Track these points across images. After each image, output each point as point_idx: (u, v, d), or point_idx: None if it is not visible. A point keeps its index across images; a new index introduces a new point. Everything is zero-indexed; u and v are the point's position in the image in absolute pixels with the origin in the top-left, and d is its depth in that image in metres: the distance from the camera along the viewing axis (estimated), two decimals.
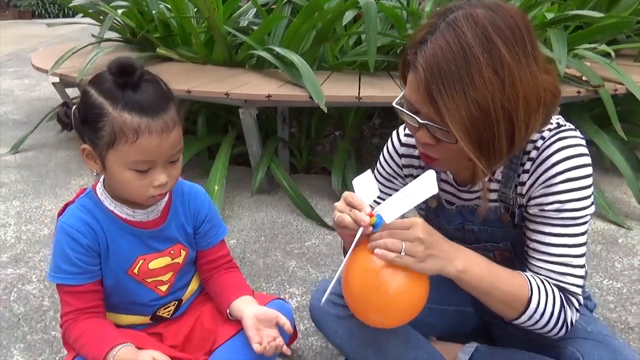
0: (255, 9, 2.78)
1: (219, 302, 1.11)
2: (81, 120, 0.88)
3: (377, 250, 0.77)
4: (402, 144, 1.08)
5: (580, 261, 0.88)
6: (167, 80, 0.94)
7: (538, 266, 0.89)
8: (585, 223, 0.88)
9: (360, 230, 0.79)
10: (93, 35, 2.57)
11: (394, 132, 1.11)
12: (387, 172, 1.11)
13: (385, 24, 2.55)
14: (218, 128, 2.54)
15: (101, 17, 3.09)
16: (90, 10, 2.93)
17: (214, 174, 2.00)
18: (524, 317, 0.86)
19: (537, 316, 0.85)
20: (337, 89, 1.97)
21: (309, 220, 1.98)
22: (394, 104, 0.88)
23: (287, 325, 1.02)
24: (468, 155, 0.79)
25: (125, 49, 2.80)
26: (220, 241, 1.15)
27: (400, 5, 2.53)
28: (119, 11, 2.37)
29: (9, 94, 4.55)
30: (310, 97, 1.85)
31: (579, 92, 1.89)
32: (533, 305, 0.84)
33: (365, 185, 0.85)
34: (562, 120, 0.92)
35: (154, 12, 2.55)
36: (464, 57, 0.74)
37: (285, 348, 1.01)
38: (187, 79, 2.17)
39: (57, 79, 2.54)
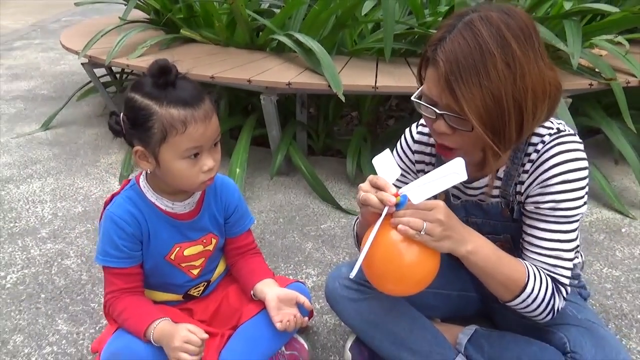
0: None
1: (243, 284, 1.23)
2: (131, 124, 0.98)
3: (400, 226, 0.86)
4: (414, 141, 1.17)
5: (570, 255, 0.98)
6: (191, 63, 1.04)
7: (532, 258, 0.99)
8: (576, 221, 0.97)
9: (386, 209, 0.88)
10: (120, 18, 2.65)
11: (407, 130, 1.20)
12: (400, 167, 1.20)
13: (404, 9, 2.58)
14: (239, 110, 2.63)
15: None
16: None
17: (235, 158, 2.11)
18: (518, 300, 0.96)
19: (529, 300, 0.95)
20: (355, 78, 2.04)
21: (325, 203, 2.09)
22: (412, 98, 0.97)
23: (307, 303, 1.14)
24: (480, 145, 0.90)
25: (150, 29, 2.88)
26: (247, 230, 1.26)
27: None
28: None
29: (35, 67, 4.67)
30: (329, 85, 1.93)
31: (591, 84, 1.93)
32: (528, 290, 0.94)
33: (386, 165, 0.93)
34: (562, 126, 1.00)
35: None
36: (481, 52, 0.84)
37: (305, 319, 1.13)
38: (210, 63, 2.25)
39: (85, 60, 2.63)
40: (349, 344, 1.23)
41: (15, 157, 2.57)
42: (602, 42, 2.07)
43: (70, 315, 1.44)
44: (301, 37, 2.19)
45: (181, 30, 2.72)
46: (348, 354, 1.22)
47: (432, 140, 1.14)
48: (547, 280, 0.97)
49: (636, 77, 1.96)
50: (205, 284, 1.24)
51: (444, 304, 1.26)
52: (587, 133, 2.76)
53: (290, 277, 1.58)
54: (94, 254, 1.66)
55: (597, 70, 1.98)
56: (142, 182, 1.12)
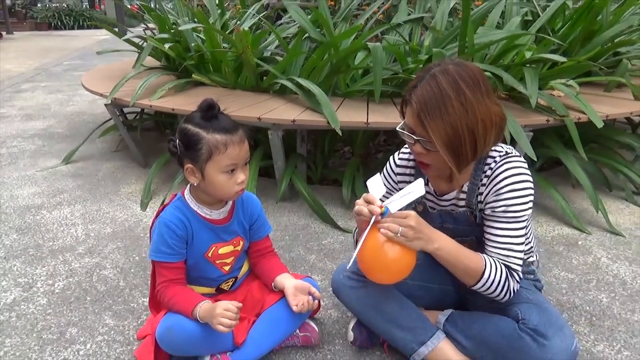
0: (277, 41, 3.20)
1: (265, 278, 1.52)
2: (184, 147, 1.30)
3: (382, 230, 1.18)
4: (397, 166, 1.50)
5: (520, 247, 1.29)
6: None
7: (490, 251, 1.30)
8: (523, 221, 1.28)
9: (374, 217, 1.20)
10: (141, 64, 2.99)
11: (391, 157, 1.53)
12: (386, 187, 1.52)
13: (390, 57, 2.96)
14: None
15: (141, 44, 3.55)
16: (139, 42, 3.38)
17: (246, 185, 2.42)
18: (480, 284, 1.26)
19: (488, 284, 1.25)
20: (349, 115, 2.38)
21: (325, 223, 2.39)
22: (397, 128, 1.30)
23: (317, 293, 1.43)
24: (448, 164, 1.23)
25: (164, 74, 3.23)
26: (266, 236, 1.56)
27: (404, 42, 2.96)
28: (166, 46, 2.79)
29: (46, 108, 5.00)
30: (328, 122, 2.26)
31: (548, 120, 2.29)
32: (486, 275, 1.25)
33: (376, 185, 1.26)
34: (510, 150, 1.34)
35: (192, 44, 2.98)
36: (441, 95, 1.18)
37: (315, 303, 1.43)
38: (222, 104, 2.58)
39: (108, 101, 2.95)
40: (351, 325, 1.52)
41: (42, 187, 2.85)
42: (558, 85, 2.45)
43: (114, 312, 1.70)
44: (302, 81, 2.55)
45: (193, 75, 3.07)
46: (350, 333, 1.50)
47: (411, 164, 1.47)
48: (501, 268, 1.27)
49: (585, 114, 2.32)
50: (234, 279, 1.53)
51: (426, 294, 1.55)
52: (552, 164, 3.13)
53: None
54: (128, 265, 1.97)
55: (553, 108, 2.35)
56: (187, 195, 1.42)
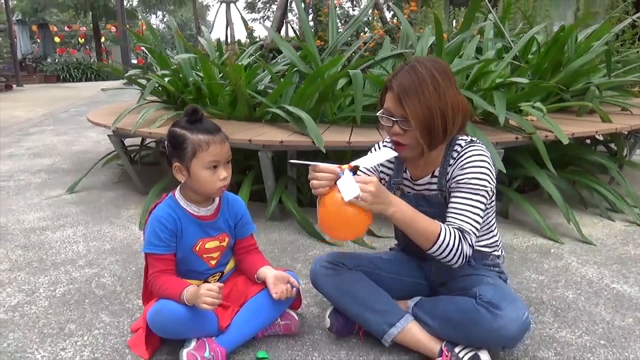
0: (270, 76, 3.44)
1: (248, 271, 1.66)
2: (172, 147, 1.47)
3: (343, 194, 1.30)
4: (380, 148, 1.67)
5: (476, 218, 1.41)
6: None
7: (450, 217, 1.43)
8: (482, 196, 1.42)
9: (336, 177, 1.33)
10: (144, 98, 3.21)
11: (375, 145, 1.69)
12: (369, 170, 1.66)
13: (374, 87, 3.18)
14: (239, 170, 3.14)
15: (141, 81, 3.80)
16: (135, 78, 3.63)
17: None
18: (436, 246, 1.37)
19: (443, 246, 1.37)
20: (333, 137, 2.57)
21: (312, 238, 2.53)
22: (377, 114, 1.48)
23: (295, 283, 1.56)
24: (422, 143, 1.41)
25: (164, 108, 3.45)
26: (250, 234, 1.71)
27: (386, 73, 3.19)
28: (166, 79, 3.02)
29: (53, 147, 5.23)
30: (313, 142, 2.44)
31: (517, 138, 2.47)
32: (441, 237, 1.36)
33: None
34: (474, 139, 1.51)
35: (190, 79, 3.22)
36: (418, 81, 1.39)
37: (294, 290, 1.56)
38: None
39: (110, 132, 3.16)
40: (327, 312, 1.63)
41: (47, 213, 3.02)
42: (526, 107, 2.64)
43: (110, 311, 1.83)
44: (291, 108, 2.75)
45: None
46: (327, 320, 1.62)
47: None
48: (454, 232, 1.38)
49: (552, 132, 2.50)
50: (220, 274, 1.66)
51: (399, 287, 1.67)
52: (532, 187, 3.28)
53: None
54: (125, 274, 2.11)
55: (522, 128, 2.53)
56: (177, 194, 1.58)
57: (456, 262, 1.41)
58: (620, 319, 1.74)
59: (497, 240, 1.64)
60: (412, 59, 1.48)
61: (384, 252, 1.85)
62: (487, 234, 1.61)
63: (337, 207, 1.33)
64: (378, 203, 1.33)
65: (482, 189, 1.43)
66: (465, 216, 1.42)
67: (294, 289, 1.57)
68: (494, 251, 1.63)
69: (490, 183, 1.44)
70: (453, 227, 1.41)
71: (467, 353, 1.40)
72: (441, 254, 1.39)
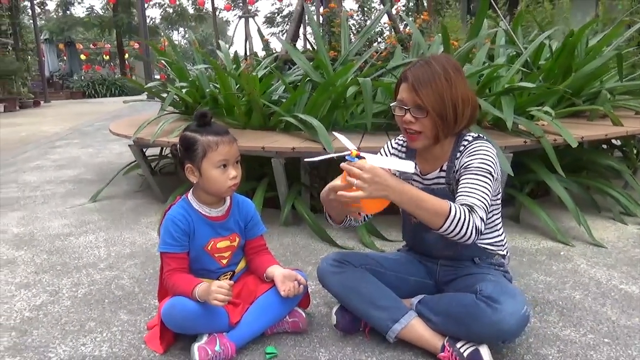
0: (284, 86, 3.53)
1: (258, 271, 1.72)
2: (184, 149, 1.56)
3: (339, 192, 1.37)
4: (392, 147, 1.76)
5: (484, 195, 1.43)
6: None
7: (458, 197, 1.45)
8: (486, 176, 1.46)
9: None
10: (163, 110, 3.33)
11: (387, 142, 1.77)
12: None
13: (385, 95, 3.24)
14: (254, 177, 3.22)
15: (162, 95, 3.94)
16: (155, 90, 3.76)
17: None
18: (447, 223, 1.35)
19: (455, 221, 1.35)
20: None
21: (324, 242, 2.59)
22: (390, 105, 1.55)
23: (302, 280, 1.63)
24: (433, 129, 1.48)
25: (182, 118, 3.57)
26: (260, 235, 1.78)
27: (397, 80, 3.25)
28: (183, 90, 3.14)
29: (78, 159, 5.41)
30: (324, 148, 2.51)
31: (525, 141, 2.50)
32: (452, 213, 1.36)
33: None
34: (481, 135, 1.57)
35: (207, 90, 3.33)
36: (431, 72, 1.48)
37: (301, 287, 1.62)
38: None
39: (131, 142, 3.28)
40: (334, 310, 1.69)
41: (71, 220, 3.14)
42: (535, 111, 2.67)
43: (128, 310, 1.91)
44: (303, 116, 2.83)
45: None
46: (334, 317, 1.67)
47: (404, 149, 1.71)
48: (462, 208, 1.39)
49: (561, 136, 2.53)
50: (231, 273, 1.73)
51: (404, 286, 1.71)
52: (543, 193, 3.29)
53: None
54: (143, 276, 2.19)
55: (531, 132, 2.56)
56: (190, 197, 1.67)
57: (469, 236, 1.37)
58: (627, 319, 1.75)
59: (502, 240, 1.68)
60: (426, 55, 1.56)
61: (391, 252, 1.90)
62: (492, 232, 1.64)
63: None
64: (377, 190, 1.33)
65: (487, 173, 1.47)
66: (474, 194, 1.43)
67: (301, 286, 1.63)
68: (498, 250, 1.67)
69: (494, 171, 1.48)
70: (461, 204, 1.42)
71: (467, 348, 1.44)
72: (453, 229, 1.36)
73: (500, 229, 1.68)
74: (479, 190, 1.45)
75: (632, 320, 1.74)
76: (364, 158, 1.37)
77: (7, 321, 1.85)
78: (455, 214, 1.37)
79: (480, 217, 1.40)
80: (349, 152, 1.39)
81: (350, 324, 1.67)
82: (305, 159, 1.53)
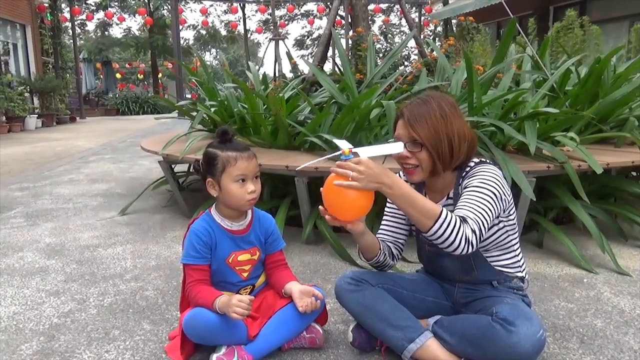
0: (309, 107, 3.61)
1: (277, 286, 1.76)
2: (206, 164, 1.63)
3: (335, 181, 1.40)
4: (401, 177, 1.76)
5: (481, 210, 1.42)
6: None
7: (455, 210, 1.45)
8: (485, 194, 1.46)
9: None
10: (193, 127, 3.44)
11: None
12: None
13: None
14: (277, 195, 3.28)
15: (192, 114, 4.06)
16: (185, 109, 3.88)
17: None
18: (436, 226, 1.35)
19: (444, 225, 1.35)
20: None
21: (345, 261, 2.62)
22: (387, 142, 1.57)
23: (319, 295, 1.66)
24: (430, 164, 1.51)
25: (210, 137, 3.67)
26: (279, 250, 1.82)
27: None
28: (212, 109, 3.24)
29: (109, 174, 5.58)
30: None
31: (548, 167, 2.49)
32: (442, 216, 1.36)
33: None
34: (485, 160, 1.59)
35: (235, 110, 3.43)
36: (427, 108, 1.53)
37: (318, 303, 1.64)
38: (259, 157, 2.94)
39: (161, 158, 3.39)
40: (350, 327, 1.71)
41: (100, 232, 3.25)
42: (561, 137, 2.67)
43: (151, 320, 1.97)
44: (328, 136, 2.89)
45: (234, 137, 3.48)
46: (350, 334, 1.69)
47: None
48: (454, 216, 1.38)
49: (586, 162, 2.51)
50: (252, 287, 1.78)
51: (421, 306, 1.73)
52: (570, 220, 3.25)
53: None
54: (167, 288, 2.25)
55: (554, 157, 2.55)
56: (213, 211, 1.73)
57: (458, 245, 1.36)
58: None
59: (519, 261, 1.68)
60: (424, 93, 1.61)
61: (409, 272, 1.91)
62: (507, 252, 1.65)
63: (331, 186, 1.42)
64: (371, 181, 1.36)
65: (488, 192, 1.46)
66: (469, 208, 1.43)
67: (319, 301, 1.65)
68: (516, 272, 1.66)
69: (496, 190, 1.48)
70: (452, 213, 1.41)
71: None
72: (442, 234, 1.35)
73: (517, 249, 1.67)
74: (475, 205, 1.45)
75: None
76: (357, 154, 1.42)
77: (36, 326, 1.93)
78: (446, 218, 1.36)
79: (472, 229, 1.38)
80: (341, 152, 1.43)
81: (367, 342, 1.68)
82: (297, 169, 1.58)
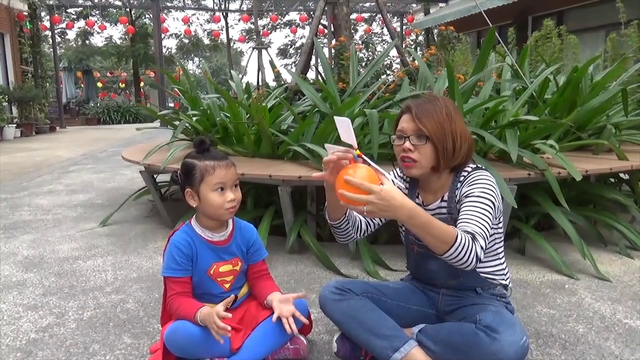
0: (292, 116, 3.61)
1: (260, 297, 1.74)
2: (184, 175, 1.61)
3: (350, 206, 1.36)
4: (396, 175, 1.76)
5: (484, 223, 1.45)
6: None
7: (460, 223, 1.47)
8: (486, 205, 1.48)
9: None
10: (175, 137, 3.41)
11: (391, 171, 1.79)
12: None
13: (391, 126, 3.30)
14: (261, 204, 3.26)
15: (175, 123, 4.03)
16: (168, 118, 3.85)
17: None
18: (453, 249, 1.36)
19: (460, 248, 1.36)
20: None
21: (329, 271, 2.60)
22: (391, 137, 1.59)
23: (297, 296, 1.65)
24: (431, 159, 1.53)
25: (191, 147, 3.64)
26: (262, 260, 1.80)
27: None
28: (194, 119, 3.22)
29: (90, 184, 5.50)
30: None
31: (529, 174, 2.52)
32: (458, 240, 1.37)
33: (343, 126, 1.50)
34: (480, 166, 1.61)
35: (217, 119, 3.41)
36: (433, 105, 1.56)
37: (297, 313, 1.62)
38: (241, 167, 2.93)
39: (143, 168, 3.35)
40: (335, 337, 1.70)
41: (80, 244, 3.19)
42: (541, 145, 2.70)
43: (132, 334, 1.93)
44: (311, 145, 2.88)
45: (217, 146, 3.46)
46: (334, 345, 1.68)
47: (408, 179, 1.74)
48: (465, 235, 1.40)
49: (565, 169, 2.55)
50: (234, 298, 1.75)
51: (404, 314, 1.72)
52: (551, 226, 3.29)
53: None
54: (148, 300, 2.21)
55: (535, 164, 2.58)
56: (193, 222, 1.71)
57: (470, 263, 1.39)
58: (630, 353, 1.74)
59: (503, 269, 1.69)
60: (428, 93, 1.64)
61: (393, 281, 1.91)
62: (494, 260, 1.65)
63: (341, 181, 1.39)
64: (385, 212, 1.34)
65: (489, 202, 1.50)
66: (475, 221, 1.46)
67: (302, 316, 1.63)
68: (500, 280, 1.67)
69: (494, 200, 1.51)
70: (464, 231, 1.43)
71: None
72: (457, 256, 1.38)
73: (502, 257, 1.69)
74: (480, 218, 1.47)
75: (635, 355, 1.72)
76: (362, 159, 1.43)
77: (13, 342, 1.88)
78: (461, 241, 1.38)
79: (481, 246, 1.42)
80: (352, 149, 1.46)
81: (351, 352, 1.67)
82: (326, 145, 1.56)
